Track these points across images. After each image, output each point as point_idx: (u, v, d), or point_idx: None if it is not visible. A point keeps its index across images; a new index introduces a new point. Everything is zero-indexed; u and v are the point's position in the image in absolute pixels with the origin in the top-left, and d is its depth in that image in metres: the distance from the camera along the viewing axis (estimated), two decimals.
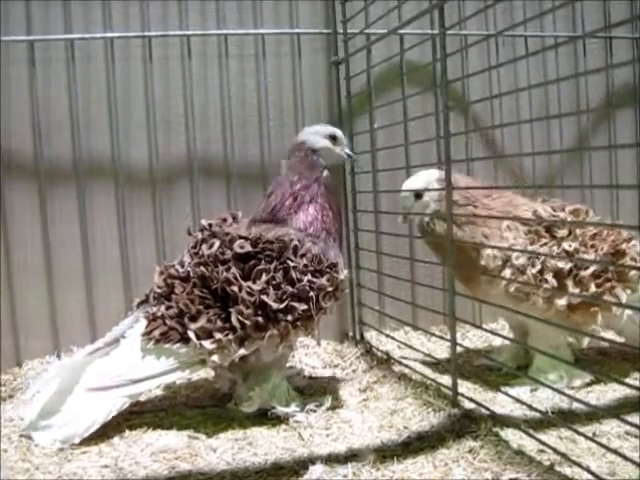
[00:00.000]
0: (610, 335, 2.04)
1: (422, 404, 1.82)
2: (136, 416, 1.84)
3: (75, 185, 2.35)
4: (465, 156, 2.50)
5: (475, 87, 2.57)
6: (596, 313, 1.89)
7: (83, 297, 2.38)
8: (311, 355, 2.35)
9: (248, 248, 1.75)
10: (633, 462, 1.24)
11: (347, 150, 2.02)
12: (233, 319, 1.68)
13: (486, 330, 1.98)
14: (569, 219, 1.96)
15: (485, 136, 2.67)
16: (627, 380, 1.95)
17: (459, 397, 1.78)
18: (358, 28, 2.38)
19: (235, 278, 1.71)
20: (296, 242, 1.76)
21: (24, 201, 2.32)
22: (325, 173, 1.93)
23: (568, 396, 1.59)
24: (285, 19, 2.48)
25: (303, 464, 1.49)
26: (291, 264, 1.73)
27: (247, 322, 1.68)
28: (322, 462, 1.48)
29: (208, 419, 1.82)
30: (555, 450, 1.44)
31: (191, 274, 1.76)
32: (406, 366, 2.13)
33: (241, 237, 1.78)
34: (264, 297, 1.69)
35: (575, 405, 1.73)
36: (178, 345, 1.69)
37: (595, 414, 1.66)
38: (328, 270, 1.77)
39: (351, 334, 2.53)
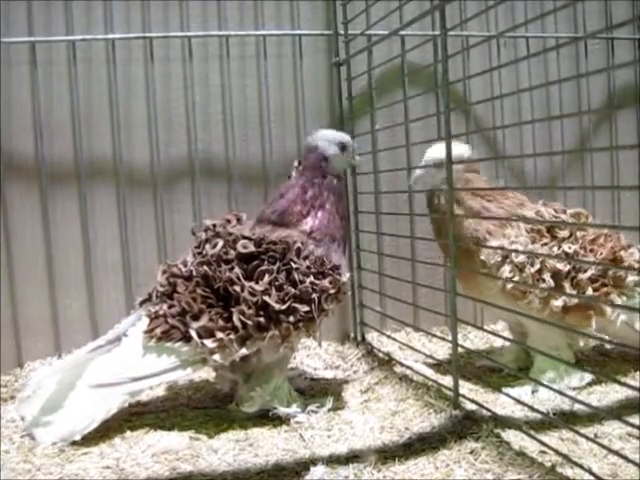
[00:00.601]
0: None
1: (423, 405, 1.82)
2: (137, 417, 1.84)
3: (76, 186, 2.35)
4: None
5: (476, 88, 2.57)
6: (590, 316, 1.89)
7: (84, 298, 2.38)
8: (312, 356, 2.35)
9: (251, 248, 1.75)
10: (635, 463, 1.23)
11: (358, 159, 2.06)
12: (235, 319, 1.68)
13: (487, 331, 1.98)
14: (570, 222, 1.96)
15: (486, 137, 2.67)
16: (628, 381, 1.95)
17: (460, 398, 1.78)
18: (359, 29, 2.38)
19: (238, 278, 1.71)
20: (299, 244, 1.76)
21: (25, 202, 2.32)
22: (335, 181, 1.93)
23: (569, 397, 1.59)
24: (286, 20, 2.48)
25: (304, 465, 1.49)
26: (294, 265, 1.73)
27: (249, 322, 1.68)
28: (323, 463, 1.48)
29: (209, 420, 1.83)
30: (556, 451, 1.44)
31: (194, 273, 1.77)
32: (407, 367, 2.12)
33: (245, 237, 1.79)
34: (266, 298, 1.69)
35: (576, 406, 1.73)
36: (180, 343, 1.70)
37: (596, 415, 1.66)
38: (330, 272, 1.78)
39: (352, 335, 2.53)
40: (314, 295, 1.73)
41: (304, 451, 1.60)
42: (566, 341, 1.97)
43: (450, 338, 1.82)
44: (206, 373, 2.02)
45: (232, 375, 1.81)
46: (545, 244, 1.92)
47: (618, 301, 1.90)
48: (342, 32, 2.44)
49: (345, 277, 1.82)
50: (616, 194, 2.75)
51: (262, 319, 1.69)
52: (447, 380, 1.92)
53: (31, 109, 2.30)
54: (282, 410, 1.78)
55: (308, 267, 1.75)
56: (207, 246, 1.82)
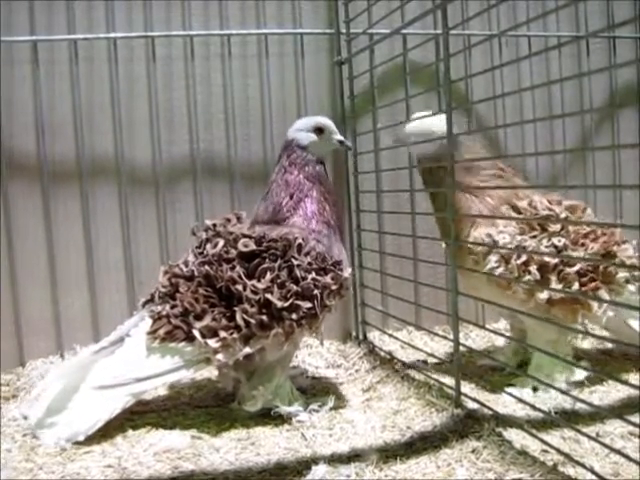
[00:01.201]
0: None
1: (425, 404, 1.83)
2: (139, 416, 1.84)
3: (78, 185, 2.35)
4: None
5: (478, 87, 2.57)
6: (577, 311, 1.87)
7: (86, 297, 2.38)
8: (314, 355, 2.35)
9: (252, 247, 1.75)
10: (636, 462, 1.23)
11: (339, 137, 1.99)
12: (238, 318, 1.68)
13: (489, 330, 1.98)
14: (564, 214, 1.94)
15: (488, 136, 2.67)
16: (629, 380, 1.95)
17: (462, 397, 1.78)
18: (361, 28, 2.38)
19: (239, 277, 1.71)
20: (300, 240, 1.76)
21: (27, 201, 2.32)
22: (318, 167, 1.92)
23: (571, 396, 1.59)
24: (288, 19, 2.48)
25: (306, 464, 1.49)
26: (295, 262, 1.73)
27: (252, 321, 1.68)
28: (325, 462, 1.48)
29: (211, 419, 1.83)
30: (558, 450, 1.44)
31: (195, 273, 1.77)
32: (410, 366, 2.12)
33: (245, 236, 1.79)
34: (269, 296, 1.69)
35: (578, 405, 1.72)
36: (183, 344, 1.70)
37: (598, 414, 1.66)
38: (332, 268, 1.78)
39: (354, 334, 2.53)
40: (316, 291, 1.73)
41: (306, 450, 1.60)
42: (564, 335, 1.95)
43: (452, 337, 1.82)
44: (208, 372, 2.02)
45: (235, 374, 1.81)
46: (534, 236, 1.90)
47: (606, 297, 1.87)
48: (344, 31, 2.44)
49: (347, 272, 1.82)
50: (618, 193, 2.75)
51: (265, 317, 1.69)
52: (449, 379, 1.93)
53: (33, 108, 2.30)
54: (284, 409, 1.78)
55: (309, 263, 1.75)
56: (208, 246, 1.82)
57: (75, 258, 2.37)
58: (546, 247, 1.88)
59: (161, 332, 1.71)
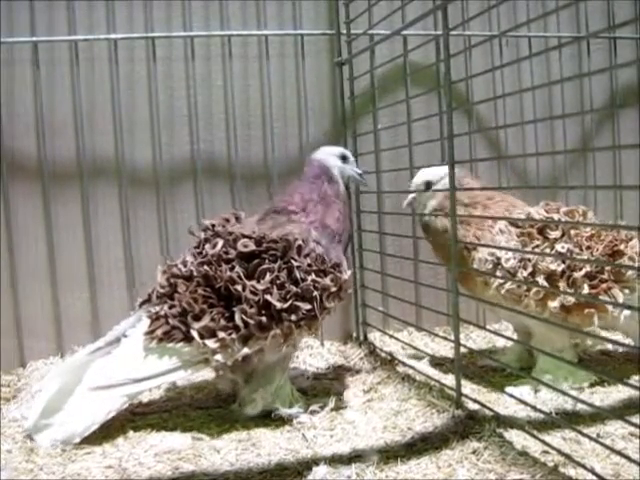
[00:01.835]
0: (617, 336, 2.03)
1: (426, 405, 1.82)
2: (140, 417, 1.84)
3: (79, 185, 2.35)
4: (469, 157, 2.50)
5: (479, 88, 2.57)
6: (592, 314, 1.86)
7: (87, 298, 2.38)
8: (315, 356, 2.35)
9: (252, 247, 1.75)
10: (637, 463, 1.23)
11: (356, 169, 2.10)
12: (237, 318, 1.68)
13: (490, 331, 1.98)
14: (563, 220, 1.94)
15: (489, 137, 2.67)
16: (630, 381, 1.94)
17: (463, 398, 1.78)
18: (362, 29, 2.38)
19: (239, 277, 1.71)
20: (300, 242, 1.76)
21: (28, 201, 2.32)
22: (342, 188, 2.01)
23: (572, 397, 1.59)
24: (289, 20, 2.48)
25: (307, 465, 1.49)
26: (295, 264, 1.73)
27: (251, 321, 1.67)
28: (326, 463, 1.48)
29: (212, 420, 1.83)
30: (559, 451, 1.44)
31: (194, 273, 1.76)
32: (410, 367, 2.12)
33: (245, 236, 1.78)
34: (268, 296, 1.68)
35: (579, 406, 1.72)
36: (181, 344, 1.69)
37: (599, 415, 1.66)
38: (332, 270, 1.78)
39: (355, 335, 2.53)
40: (316, 293, 1.72)
41: (306, 451, 1.59)
42: (570, 342, 1.96)
43: (452, 338, 1.82)
44: (208, 373, 2.02)
45: (232, 375, 1.81)
46: (537, 246, 1.90)
47: (620, 295, 1.86)
48: (344, 32, 2.44)
49: (346, 275, 1.82)
50: (618, 193, 2.75)
51: (264, 318, 1.68)
52: (450, 380, 1.92)
53: (33, 109, 2.31)
54: (284, 410, 1.78)
55: (309, 265, 1.74)
56: (207, 246, 1.81)
57: (76, 259, 2.37)
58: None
59: (159, 332, 1.70)
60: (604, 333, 2.05)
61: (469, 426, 1.64)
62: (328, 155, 2.03)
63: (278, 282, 1.71)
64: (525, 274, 1.87)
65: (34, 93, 2.30)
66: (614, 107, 2.82)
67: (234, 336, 1.68)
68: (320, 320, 1.77)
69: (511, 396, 1.75)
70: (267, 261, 1.73)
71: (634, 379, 1.98)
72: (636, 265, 1.90)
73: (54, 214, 2.33)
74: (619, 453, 1.30)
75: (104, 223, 2.39)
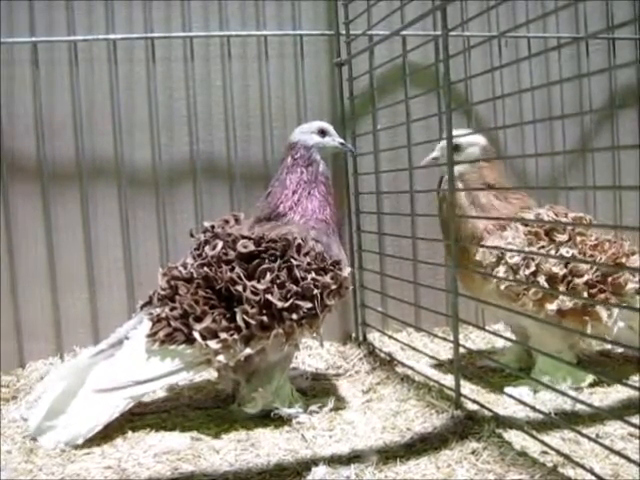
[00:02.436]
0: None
1: (425, 405, 1.82)
2: (139, 417, 1.84)
3: (78, 186, 2.35)
4: None
5: (478, 88, 2.57)
6: (586, 322, 1.87)
7: (86, 298, 2.38)
8: (314, 356, 2.35)
9: (251, 247, 1.75)
10: (636, 464, 1.23)
11: (339, 139, 2.04)
12: (238, 319, 1.68)
13: (489, 331, 1.98)
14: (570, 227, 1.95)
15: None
16: (629, 382, 1.94)
17: (462, 398, 1.78)
18: (361, 29, 2.38)
19: (239, 278, 1.71)
20: (299, 240, 1.76)
21: (27, 202, 2.32)
22: (321, 168, 1.96)
23: (571, 397, 1.59)
24: (288, 20, 2.48)
25: (306, 465, 1.49)
26: (295, 262, 1.73)
27: (252, 321, 1.68)
28: (325, 463, 1.48)
29: (211, 420, 1.83)
30: (558, 452, 1.44)
31: (195, 275, 1.76)
32: (409, 367, 2.12)
33: (244, 237, 1.79)
34: (269, 296, 1.69)
35: (578, 407, 1.72)
36: (183, 346, 1.69)
37: (598, 415, 1.66)
38: (332, 268, 1.78)
39: (354, 335, 2.53)
40: (316, 291, 1.73)
41: (306, 451, 1.60)
42: (568, 344, 1.96)
43: (452, 338, 1.82)
44: (208, 373, 2.02)
45: (234, 375, 1.81)
46: (542, 247, 1.91)
47: (615, 308, 1.87)
48: (343, 32, 2.44)
49: (346, 272, 1.82)
50: (618, 194, 2.75)
51: (265, 318, 1.69)
52: (449, 380, 1.92)
53: (33, 109, 2.30)
54: (284, 410, 1.78)
55: (309, 263, 1.75)
56: (207, 247, 1.82)
57: (75, 259, 2.37)
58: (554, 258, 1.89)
59: (161, 335, 1.70)
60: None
61: (468, 426, 1.64)
62: (303, 134, 1.99)
63: (278, 281, 1.71)
64: (527, 272, 1.87)
65: (33, 93, 2.30)
66: (613, 108, 2.82)
67: (236, 337, 1.68)
68: (321, 318, 1.77)
69: (510, 396, 1.75)
70: (267, 261, 1.74)
71: (633, 380, 1.98)
72: (636, 279, 1.91)
73: (53, 215, 2.33)
74: (618, 453, 1.31)
75: (103, 223, 2.39)
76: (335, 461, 1.51)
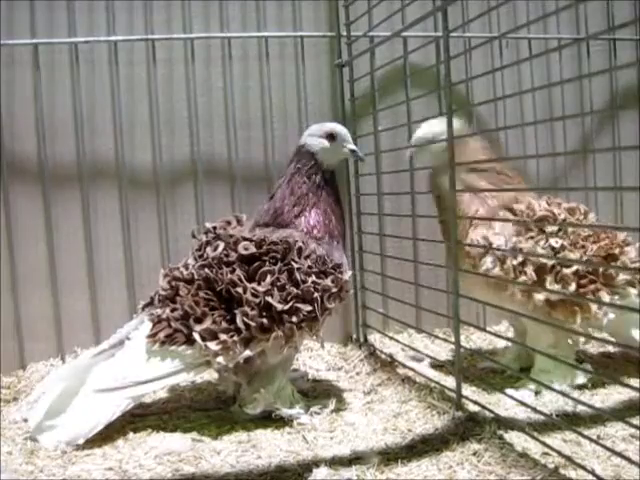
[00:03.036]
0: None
1: (426, 407, 1.82)
2: (140, 419, 1.84)
3: (79, 188, 2.35)
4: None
5: (479, 89, 2.57)
6: (575, 312, 1.86)
7: (87, 299, 2.38)
8: (315, 358, 2.35)
9: (253, 250, 1.75)
10: (638, 465, 1.23)
11: (350, 146, 1.96)
12: (238, 320, 1.68)
13: (490, 332, 1.98)
14: (563, 216, 1.92)
15: (489, 138, 2.67)
16: (630, 382, 1.94)
17: (463, 400, 1.78)
18: (362, 31, 2.38)
19: (240, 280, 1.71)
20: (300, 243, 1.76)
21: (28, 203, 2.32)
22: (325, 177, 1.90)
23: (572, 399, 1.59)
24: (289, 22, 2.49)
25: (307, 467, 1.49)
26: (295, 265, 1.73)
27: (252, 323, 1.68)
28: (326, 465, 1.48)
29: (212, 422, 1.83)
30: (559, 453, 1.44)
31: (195, 276, 1.76)
32: (410, 369, 2.12)
33: (245, 239, 1.78)
34: (269, 298, 1.69)
35: (579, 408, 1.72)
36: (183, 347, 1.70)
37: (600, 417, 1.66)
38: (332, 271, 1.78)
39: (355, 337, 2.53)
40: (316, 294, 1.73)
41: (307, 453, 1.59)
42: (560, 336, 1.94)
43: (453, 339, 1.82)
44: (208, 375, 2.02)
45: (235, 377, 1.81)
46: (531, 237, 1.90)
47: (606, 298, 1.85)
48: (344, 33, 2.44)
49: (347, 275, 1.82)
50: (619, 195, 2.75)
51: (265, 320, 1.69)
52: (450, 381, 1.92)
53: (34, 111, 2.31)
54: (285, 411, 1.78)
55: (310, 266, 1.75)
56: (208, 249, 1.82)
57: (76, 260, 2.37)
58: (543, 248, 1.87)
59: (161, 335, 1.70)
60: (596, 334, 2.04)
61: (469, 428, 1.64)
62: (311, 137, 1.92)
63: (279, 284, 1.71)
64: (515, 263, 1.86)
65: (34, 95, 2.30)
66: (614, 108, 2.82)
67: (235, 338, 1.68)
68: (321, 321, 1.77)
69: (511, 398, 1.75)
70: (268, 263, 1.74)
71: (634, 381, 1.98)
72: (626, 270, 1.89)
73: (54, 216, 2.33)
74: (620, 455, 1.30)
75: (104, 225, 2.39)
76: (336, 462, 1.50)
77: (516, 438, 1.57)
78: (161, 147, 2.40)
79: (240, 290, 1.70)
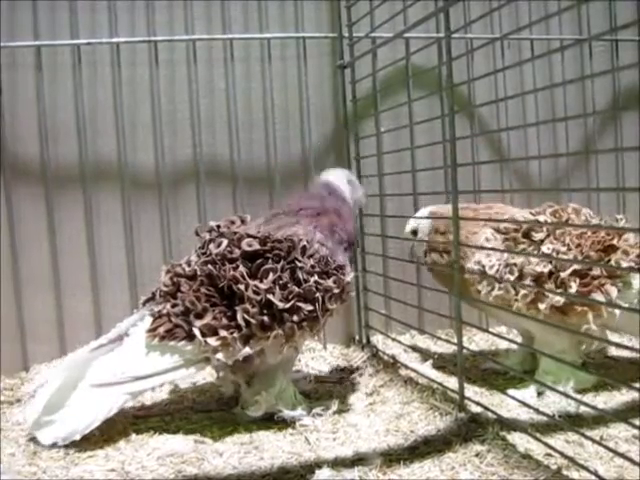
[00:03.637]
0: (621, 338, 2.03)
1: (429, 408, 1.82)
2: (142, 420, 1.84)
3: (81, 189, 2.36)
4: (471, 160, 2.50)
5: (481, 90, 2.57)
6: (586, 312, 1.84)
7: (90, 301, 2.38)
8: (317, 359, 2.35)
9: (256, 247, 1.75)
10: None
11: (362, 190, 2.14)
12: (239, 317, 1.67)
13: (492, 333, 1.98)
14: (549, 220, 1.92)
15: (491, 139, 2.67)
16: (634, 384, 1.93)
17: (466, 401, 1.78)
18: (364, 32, 2.38)
19: (242, 276, 1.70)
20: (304, 242, 1.76)
21: (31, 205, 2.33)
22: (352, 209, 2.04)
23: (575, 400, 1.59)
24: (291, 23, 2.49)
25: (309, 468, 1.49)
26: (298, 264, 1.73)
27: (252, 321, 1.67)
28: (329, 466, 1.48)
29: (214, 423, 1.82)
30: (562, 454, 1.43)
31: (198, 272, 1.75)
32: (413, 370, 2.12)
33: (249, 235, 1.78)
34: (270, 296, 1.68)
35: (582, 409, 1.72)
36: (183, 342, 1.69)
37: (602, 418, 1.66)
38: (335, 272, 1.77)
39: (357, 338, 2.53)
40: (318, 294, 1.72)
41: (309, 454, 1.59)
42: (573, 343, 1.94)
43: (455, 340, 1.82)
44: (211, 376, 2.02)
45: (234, 377, 1.81)
46: (523, 249, 1.89)
47: (613, 291, 1.83)
48: (346, 35, 2.44)
49: (349, 277, 1.82)
50: (621, 196, 2.74)
51: (266, 318, 1.68)
52: (452, 383, 1.92)
53: (36, 112, 2.31)
54: (287, 413, 1.78)
55: (312, 266, 1.74)
56: (211, 245, 1.81)
57: (78, 262, 2.37)
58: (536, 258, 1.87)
59: (161, 330, 1.70)
60: (608, 334, 2.03)
61: (472, 429, 1.64)
62: (339, 178, 2.06)
63: (281, 282, 1.70)
64: (512, 279, 1.86)
65: (37, 97, 2.31)
66: (616, 109, 2.81)
67: (235, 335, 1.67)
68: (322, 322, 1.76)
69: (514, 399, 1.75)
70: (270, 261, 1.73)
71: (638, 382, 1.98)
72: (629, 257, 1.86)
73: (57, 217, 2.34)
74: (622, 456, 1.30)
75: (107, 226, 2.39)
76: (339, 464, 1.50)
77: (519, 439, 1.57)
78: (163, 148, 2.40)
79: (242, 287, 1.69)
